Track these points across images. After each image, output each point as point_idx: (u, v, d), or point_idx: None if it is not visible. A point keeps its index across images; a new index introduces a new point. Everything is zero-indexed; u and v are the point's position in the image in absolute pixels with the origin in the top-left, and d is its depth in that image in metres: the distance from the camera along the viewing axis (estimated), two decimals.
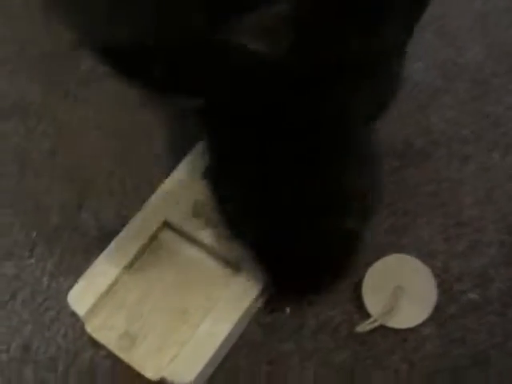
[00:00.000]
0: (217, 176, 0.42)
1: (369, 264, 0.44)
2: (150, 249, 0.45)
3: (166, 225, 0.45)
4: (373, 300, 0.43)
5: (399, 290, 0.43)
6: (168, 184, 0.47)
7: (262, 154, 0.37)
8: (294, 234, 0.40)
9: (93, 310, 0.42)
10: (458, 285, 0.44)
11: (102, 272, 0.43)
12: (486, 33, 0.56)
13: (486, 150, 0.50)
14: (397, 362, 0.42)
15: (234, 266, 0.43)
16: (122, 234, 0.45)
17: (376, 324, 0.42)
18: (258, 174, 0.38)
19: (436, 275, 0.45)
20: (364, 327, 0.42)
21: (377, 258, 0.44)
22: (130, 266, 0.44)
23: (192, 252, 0.45)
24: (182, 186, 0.46)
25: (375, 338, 0.43)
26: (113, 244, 0.44)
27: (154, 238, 0.45)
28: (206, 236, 0.44)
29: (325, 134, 0.36)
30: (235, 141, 0.38)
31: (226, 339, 0.41)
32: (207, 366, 0.41)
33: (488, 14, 0.57)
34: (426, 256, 0.46)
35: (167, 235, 0.45)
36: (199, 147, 0.47)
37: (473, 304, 0.44)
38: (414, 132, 0.51)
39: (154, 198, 0.46)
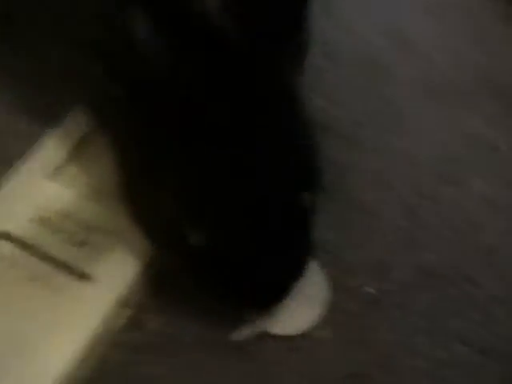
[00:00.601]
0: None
1: None
2: None
3: (4, 236, 0.39)
4: None
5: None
6: (6, 187, 0.40)
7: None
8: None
9: None
10: (353, 277, 0.39)
11: None
12: (376, 11, 0.52)
13: (379, 133, 0.46)
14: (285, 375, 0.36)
15: (85, 276, 0.37)
16: None
17: (255, 331, 0.36)
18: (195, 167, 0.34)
19: (327, 268, 0.39)
20: (239, 335, 0.35)
21: None
22: None
23: (35, 266, 0.38)
24: (22, 188, 0.40)
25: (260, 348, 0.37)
26: None
27: None
28: (51, 246, 0.38)
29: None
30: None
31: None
32: None
33: None
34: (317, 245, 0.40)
35: (5, 247, 0.38)
36: (46, 139, 0.41)
37: (370, 299, 0.38)
38: None
39: None
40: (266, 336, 0.36)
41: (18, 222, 0.39)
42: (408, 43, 0.50)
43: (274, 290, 0.35)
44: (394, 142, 0.45)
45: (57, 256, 0.38)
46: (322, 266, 0.39)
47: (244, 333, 0.36)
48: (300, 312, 0.37)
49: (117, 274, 0.37)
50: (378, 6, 0.53)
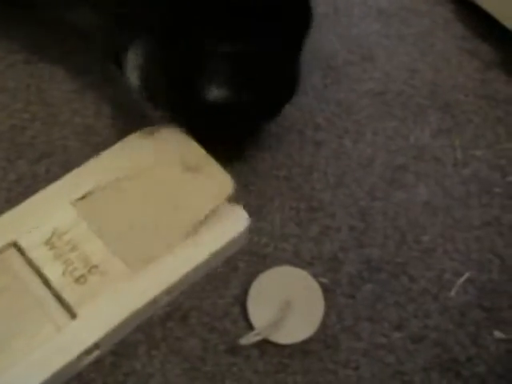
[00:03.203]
0: None
1: (256, 273, 0.43)
2: None
3: (15, 246, 0.41)
4: (258, 313, 0.41)
5: (286, 305, 0.41)
6: (28, 203, 0.43)
7: None
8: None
9: None
10: (310, 269, 0.44)
11: None
12: (339, 23, 0.57)
13: (337, 137, 0.50)
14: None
15: (71, 311, 0.40)
16: None
17: (259, 337, 0.40)
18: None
19: (287, 260, 0.44)
20: (249, 339, 0.40)
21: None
22: None
23: (32, 284, 0.40)
24: (42, 208, 0.43)
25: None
26: None
27: None
28: (51, 271, 0.40)
29: None
30: None
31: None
32: None
33: (342, 5, 0.58)
34: (279, 240, 0.45)
35: (12, 257, 0.41)
36: (72, 175, 0.44)
37: (323, 288, 0.43)
38: None
39: (8, 214, 0.42)
40: (267, 343, 0.41)
41: (31, 239, 0.41)
42: (368, 58, 0.55)
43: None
44: (351, 147, 0.50)
45: (53, 283, 0.40)
46: (285, 257, 0.44)
47: (251, 339, 0.40)
48: (299, 323, 0.41)
49: (101, 320, 0.39)
50: (345, 21, 0.57)
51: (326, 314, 0.42)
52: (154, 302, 0.41)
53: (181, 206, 0.43)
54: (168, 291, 0.41)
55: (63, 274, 0.40)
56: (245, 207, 0.44)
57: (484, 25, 0.57)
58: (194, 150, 0.45)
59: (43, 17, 0.50)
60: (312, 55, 0.54)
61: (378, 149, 0.50)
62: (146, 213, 0.43)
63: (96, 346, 0.39)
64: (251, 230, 0.45)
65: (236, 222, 0.43)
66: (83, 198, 0.43)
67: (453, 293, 0.44)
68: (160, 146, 0.45)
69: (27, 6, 0.48)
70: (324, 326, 0.42)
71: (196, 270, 0.42)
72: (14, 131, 0.48)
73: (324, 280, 0.44)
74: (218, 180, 0.44)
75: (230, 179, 0.44)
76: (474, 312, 0.44)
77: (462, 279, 0.45)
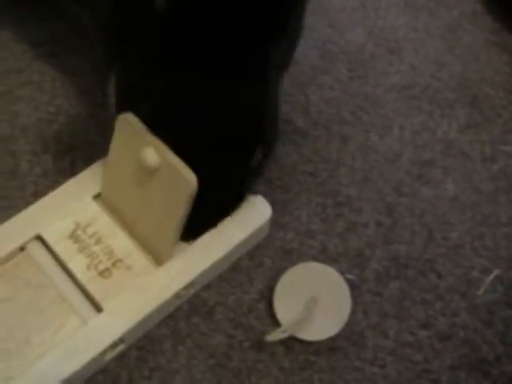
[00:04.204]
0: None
1: (282, 269, 0.43)
2: (14, 260, 0.41)
3: (39, 239, 0.41)
4: (284, 309, 0.41)
5: (312, 302, 0.41)
6: (51, 197, 0.43)
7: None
8: None
9: None
10: (336, 265, 0.43)
11: None
12: (366, 15, 0.56)
13: (364, 132, 0.50)
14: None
15: (97, 305, 0.40)
16: None
17: (286, 334, 0.40)
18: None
19: (313, 256, 0.44)
20: (275, 336, 0.39)
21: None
22: None
23: (57, 277, 0.41)
24: (65, 202, 0.43)
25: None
26: None
27: (21, 248, 0.41)
28: (76, 264, 0.40)
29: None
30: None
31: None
32: None
33: None
34: (305, 236, 0.44)
35: (36, 251, 0.41)
36: (93, 168, 0.44)
37: (350, 284, 0.43)
38: (293, 111, 0.50)
39: (32, 208, 0.42)
40: (293, 339, 0.41)
41: (55, 232, 0.41)
42: (395, 52, 0.54)
43: None
44: (377, 142, 0.50)
45: (78, 277, 0.40)
46: (311, 253, 0.43)
47: (278, 335, 0.40)
48: (325, 320, 0.41)
49: (126, 314, 0.39)
50: (372, 14, 0.57)
51: (353, 311, 0.42)
52: (178, 295, 0.41)
53: None
54: (192, 284, 0.41)
55: (88, 267, 0.40)
56: (270, 203, 0.43)
57: None
58: None
59: (62, 10, 0.50)
60: (339, 48, 0.54)
61: (404, 144, 0.50)
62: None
63: (121, 340, 0.39)
64: (277, 226, 0.44)
65: (259, 212, 0.43)
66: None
67: (481, 291, 0.44)
68: None
69: None
70: (350, 323, 0.41)
71: (220, 262, 0.42)
72: (40, 125, 0.48)
73: (350, 276, 0.43)
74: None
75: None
76: (503, 310, 0.43)
77: (491, 277, 0.44)
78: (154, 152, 0.38)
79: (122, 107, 0.40)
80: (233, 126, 0.39)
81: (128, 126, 0.40)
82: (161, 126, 0.38)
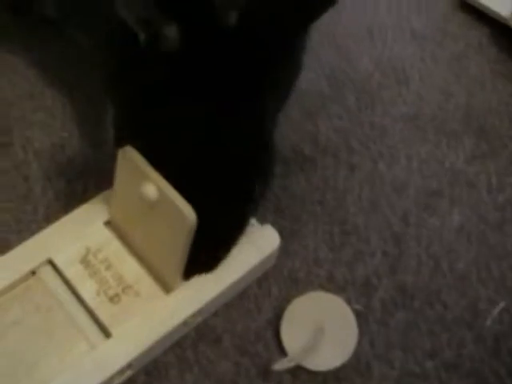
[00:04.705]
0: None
1: (289, 297, 0.43)
2: (25, 284, 0.41)
3: (50, 264, 0.42)
4: (291, 338, 0.41)
5: (319, 332, 0.41)
6: (63, 222, 0.43)
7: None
8: None
9: None
10: (343, 294, 0.44)
11: None
12: (373, 45, 0.57)
13: (371, 161, 0.50)
14: None
15: (106, 331, 0.40)
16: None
17: (293, 363, 0.40)
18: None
19: (320, 285, 0.44)
20: (282, 365, 0.40)
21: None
22: None
23: (66, 301, 0.41)
24: (77, 227, 0.43)
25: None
26: None
27: (32, 273, 0.42)
28: (86, 289, 0.41)
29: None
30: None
31: None
32: None
33: (376, 28, 0.58)
34: (312, 264, 0.45)
35: (47, 275, 0.42)
36: (105, 195, 0.44)
37: (356, 314, 0.43)
38: (302, 140, 0.50)
39: (44, 232, 0.43)
40: (300, 369, 0.41)
41: (66, 256, 0.42)
42: (402, 81, 0.55)
43: None
44: (385, 171, 0.50)
45: (88, 302, 0.40)
46: (318, 282, 0.44)
47: (285, 364, 0.40)
48: (332, 350, 0.41)
49: (134, 340, 0.39)
50: (379, 44, 0.57)
51: (359, 341, 0.42)
52: (186, 322, 0.41)
53: None
54: (200, 311, 0.41)
55: (97, 292, 0.41)
56: (278, 231, 0.44)
57: None
58: None
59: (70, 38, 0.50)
60: (347, 78, 0.54)
61: (411, 173, 0.50)
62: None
63: (129, 365, 0.39)
64: (285, 254, 0.45)
65: (267, 241, 0.43)
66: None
67: (488, 322, 0.44)
68: None
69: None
70: (357, 352, 0.42)
71: (228, 290, 0.42)
72: (54, 149, 0.48)
73: (357, 306, 0.43)
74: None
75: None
76: (510, 341, 0.43)
77: (498, 309, 0.44)
78: (154, 187, 0.39)
79: (120, 142, 0.41)
80: (230, 160, 0.40)
81: (129, 159, 0.40)
82: (162, 161, 0.39)
